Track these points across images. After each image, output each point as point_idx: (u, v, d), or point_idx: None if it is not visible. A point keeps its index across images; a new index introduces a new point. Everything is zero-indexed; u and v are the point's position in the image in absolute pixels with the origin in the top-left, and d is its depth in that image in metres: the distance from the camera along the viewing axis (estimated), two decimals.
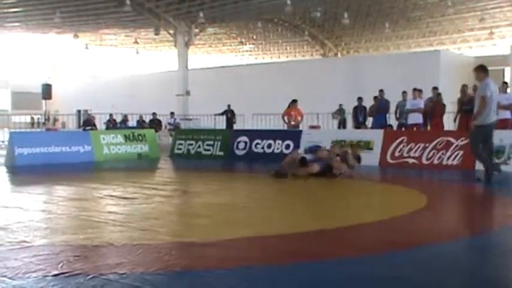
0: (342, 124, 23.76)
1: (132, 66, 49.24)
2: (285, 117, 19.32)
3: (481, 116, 9.94)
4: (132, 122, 28.65)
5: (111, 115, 28.32)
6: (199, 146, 17.43)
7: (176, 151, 17.86)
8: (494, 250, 5.05)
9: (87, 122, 27.12)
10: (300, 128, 18.83)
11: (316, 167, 11.11)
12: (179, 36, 34.14)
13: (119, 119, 28.84)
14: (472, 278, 4.14)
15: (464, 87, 16.56)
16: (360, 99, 20.44)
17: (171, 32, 34.58)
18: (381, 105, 18.97)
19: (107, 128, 26.17)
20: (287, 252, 4.88)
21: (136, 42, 41.39)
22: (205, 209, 7.36)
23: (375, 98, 19.31)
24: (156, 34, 34.95)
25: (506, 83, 17.23)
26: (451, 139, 13.36)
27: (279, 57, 45.84)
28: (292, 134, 16.37)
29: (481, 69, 10.15)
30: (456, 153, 13.21)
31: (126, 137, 17.21)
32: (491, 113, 10.09)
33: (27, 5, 33.07)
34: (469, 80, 24.40)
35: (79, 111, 38.02)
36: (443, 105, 17.22)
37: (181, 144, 17.90)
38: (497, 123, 11.30)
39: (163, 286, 3.93)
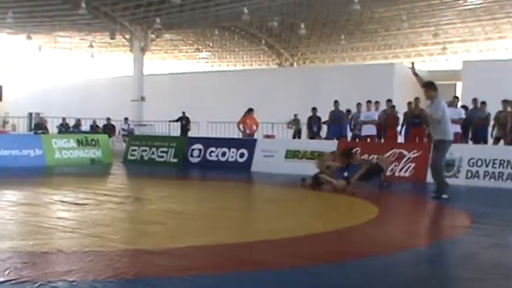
0: (297, 134, 23.87)
1: (87, 70, 48.59)
2: (241, 126, 19.31)
3: (448, 131, 9.91)
4: (85, 127, 28.27)
5: (63, 119, 27.86)
6: (153, 153, 17.29)
7: (129, 157, 17.68)
8: (442, 260, 5.13)
9: (38, 126, 26.63)
10: (255, 137, 18.85)
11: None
12: (135, 41, 33.84)
13: (71, 123, 28.41)
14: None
15: (417, 100, 16.85)
16: (314, 109, 20.57)
17: (127, 36, 34.24)
18: (335, 116, 19.14)
19: (59, 132, 25.73)
20: (238, 262, 4.87)
21: (91, 45, 40.83)
22: (158, 216, 7.29)
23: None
24: (112, 38, 34.56)
25: (457, 97, 17.59)
26: (404, 151, 13.56)
27: (235, 65, 45.84)
28: (247, 143, 16.39)
29: (432, 87, 9.82)
30: (408, 165, 13.41)
31: (79, 142, 16.98)
32: (449, 128, 10.09)
33: None
34: (421, 93, 24.91)
35: (30, 114, 37.33)
36: (397, 118, 17.48)
37: (134, 150, 17.73)
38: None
39: None
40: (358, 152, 12.56)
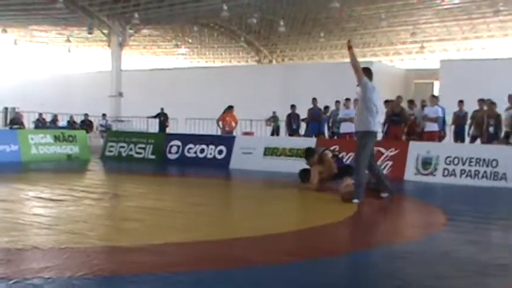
0: (276, 131, 23.90)
1: (64, 64, 48.14)
2: (220, 123, 19.29)
3: (371, 122, 8.88)
4: (62, 122, 28.03)
5: (40, 114, 27.59)
6: (131, 149, 17.20)
7: (107, 153, 17.57)
8: (419, 257, 5.16)
9: (14, 121, 26.35)
10: (234, 134, 18.84)
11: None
12: (113, 36, 33.61)
13: (48, 118, 28.15)
14: (393, 285, 4.21)
15: (398, 99, 16.98)
16: (293, 106, 20.62)
17: (105, 31, 34.01)
18: (314, 113, 19.19)
19: (36, 128, 25.48)
20: (216, 258, 4.86)
21: (68, 40, 40.49)
22: (136, 213, 7.26)
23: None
24: (89, 33, 34.27)
25: (434, 96, 17.73)
26: (382, 149, 13.63)
27: (214, 62, 45.75)
28: (226, 140, 16.36)
29: (366, 71, 9.10)
30: (386, 163, 13.49)
31: (56, 138, 16.83)
32: (377, 119, 9.13)
33: None
34: (400, 91, 25.10)
35: (6, 108, 36.87)
36: None
37: (112, 146, 17.62)
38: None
39: None
40: (333, 149, 12.45)
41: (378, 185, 9.31)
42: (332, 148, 12.73)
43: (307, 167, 11.07)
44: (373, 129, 8.90)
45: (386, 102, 16.44)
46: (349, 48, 8.98)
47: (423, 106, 16.88)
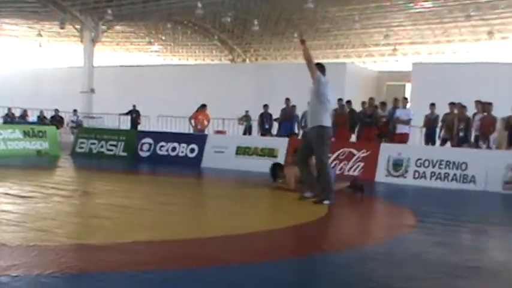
0: (248, 130, 23.88)
1: (35, 59, 47.52)
2: (192, 121, 19.22)
3: (327, 116, 8.66)
4: (32, 118, 27.68)
5: (9, 109, 27.20)
6: (102, 146, 17.05)
7: (78, 150, 17.39)
8: (389, 259, 5.19)
9: None
10: (206, 133, 18.79)
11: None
12: (85, 31, 33.28)
13: (18, 113, 27.77)
14: (364, 287, 4.23)
15: (371, 100, 17.11)
16: (266, 106, 20.63)
17: (77, 27, 33.67)
18: (286, 114, 19.22)
19: (5, 123, 25.12)
20: (185, 257, 4.83)
21: (39, 35, 39.98)
22: (106, 211, 7.19)
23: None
24: (61, 28, 33.85)
25: (406, 98, 17.87)
26: (353, 150, 13.70)
27: (187, 59, 45.54)
28: (198, 138, 16.31)
29: (319, 67, 8.92)
30: (357, 164, 13.56)
31: (25, 133, 16.62)
32: (328, 115, 8.78)
33: None
34: (373, 93, 25.25)
35: None
36: (347, 117, 17.66)
37: (83, 143, 17.45)
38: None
39: None
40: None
41: (307, 183, 8.87)
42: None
43: (278, 161, 11.00)
44: (327, 125, 8.59)
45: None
46: (302, 42, 8.90)
47: (395, 107, 17.01)
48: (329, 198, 8.46)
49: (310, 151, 8.71)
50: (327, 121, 8.58)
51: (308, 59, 8.72)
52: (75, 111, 28.24)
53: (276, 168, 11.08)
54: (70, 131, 24.84)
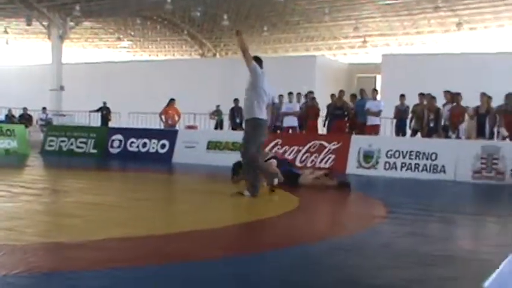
0: (219, 125, 23.84)
1: (2, 57, 46.84)
2: (163, 116, 19.13)
3: (262, 108, 8.47)
4: (0, 116, 27.30)
5: None
6: (72, 143, 16.91)
7: (47, 148, 17.22)
8: (359, 250, 5.21)
9: None
10: (177, 128, 18.71)
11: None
12: (53, 28, 32.91)
13: None
14: (336, 277, 4.24)
15: (341, 92, 17.20)
16: (236, 100, 20.59)
17: (45, 23, 33.28)
18: None
19: None
20: (158, 253, 4.79)
21: (6, 32, 39.43)
22: (76, 209, 7.11)
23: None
24: (28, 25, 33.46)
25: (376, 90, 17.99)
26: (324, 143, 13.76)
27: (157, 55, 45.28)
28: (168, 134, 16.25)
29: (256, 60, 8.73)
30: (328, 156, 13.63)
31: None
32: (265, 107, 8.58)
33: None
34: (343, 85, 25.36)
35: None
36: (318, 109, 17.75)
37: (53, 140, 17.28)
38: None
39: None
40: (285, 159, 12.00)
41: (249, 180, 8.50)
42: (281, 153, 12.74)
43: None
44: (261, 117, 8.41)
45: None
46: (238, 34, 8.77)
47: (362, 98, 17.13)
48: (250, 191, 8.28)
49: (259, 146, 8.59)
50: (262, 113, 8.43)
51: (244, 49, 8.55)
52: (44, 109, 27.93)
53: (238, 167, 10.70)
54: (39, 129, 24.57)
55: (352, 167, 13.36)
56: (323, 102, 18.04)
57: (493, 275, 1.20)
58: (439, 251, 5.14)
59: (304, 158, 13.83)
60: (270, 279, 4.13)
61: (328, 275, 4.31)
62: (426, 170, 12.69)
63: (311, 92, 18.23)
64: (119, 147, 16.19)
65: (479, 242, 6.18)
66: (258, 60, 8.75)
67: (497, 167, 12.26)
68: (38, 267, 4.15)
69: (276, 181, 8.57)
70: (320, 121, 18.21)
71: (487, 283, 1.18)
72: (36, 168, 13.90)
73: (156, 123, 21.58)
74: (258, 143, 8.52)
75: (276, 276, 4.19)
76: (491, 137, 14.61)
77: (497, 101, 14.88)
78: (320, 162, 13.55)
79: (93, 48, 45.48)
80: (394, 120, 17.38)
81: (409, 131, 16.74)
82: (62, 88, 32.30)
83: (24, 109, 26.99)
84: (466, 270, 4.57)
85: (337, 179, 10.38)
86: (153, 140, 15.85)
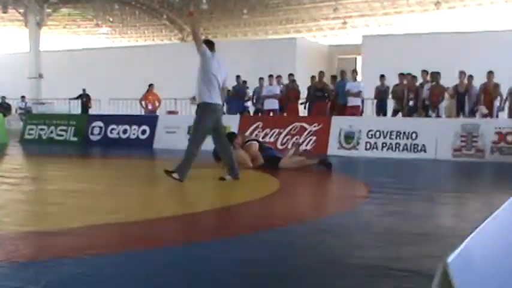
0: None
1: None
2: (143, 102, 19.05)
3: (212, 92, 8.27)
4: None
5: None
6: (51, 131, 16.79)
7: (27, 136, 17.09)
8: (339, 230, 5.23)
9: None
10: (157, 113, 18.64)
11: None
12: (30, 15, 32.53)
13: None
14: (314, 258, 4.26)
15: (321, 74, 17.20)
16: None
17: (21, 10, 32.89)
18: (237, 91, 19.18)
19: None
20: (138, 239, 4.78)
21: None
22: (57, 197, 7.07)
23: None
24: (4, 12, 33.05)
25: (355, 71, 18.02)
26: (305, 125, 13.78)
27: (136, 40, 44.97)
28: (149, 119, 16.19)
29: (207, 43, 8.57)
30: (309, 138, 13.66)
31: None
32: (217, 91, 8.38)
33: None
34: (324, 67, 25.37)
35: None
36: (298, 92, 17.74)
37: (32, 129, 17.15)
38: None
39: (3, 278, 3.68)
40: (263, 141, 12.11)
41: (228, 168, 8.54)
42: (261, 138, 12.73)
43: None
44: (211, 102, 8.19)
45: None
46: (190, 15, 8.70)
47: (342, 80, 17.17)
48: (179, 173, 8.17)
49: (218, 132, 8.52)
50: (211, 97, 8.20)
51: (194, 32, 8.48)
52: (23, 97, 27.69)
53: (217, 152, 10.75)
54: (19, 118, 24.36)
55: (333, 148, 13.40)
56: (304, 84, 18.04)
57: (457, 250, 1.20)
58: (418, 229, 5.19)
59: (285, 140, 13.84)
60: (248, 262, 4.13)
61: (306, 256, 4.33)
62: (407, 149, 12.77)
63: (291, 75, 18.21)
64: (99, 134, 16.10)
65: (458, 219, 6.23)
66: (210, 43, 8.56)
67: (477, 144, 12.37)
68: (16, 256, 4.12)
69: (176, 176, 8.23)
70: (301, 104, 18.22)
71: (450, 258, 1.18)
72: (15, 157, 13.79)
73: (137, 110, 21.47)
74: (206, 128, 8.32)
75: (255, 258, 4.20)
76: (471, 115, 14.72)
77: (479, 80, 15.00)
78: (301, 144, 13.57)
79: (71, 35, 45.06)
80: (375, 101, 17.44)
81: (390, 112, 16.82)
82: (40, 76, 32.01)
83: (3, 98, 26.72)
84: (444, 248, 4.61)
85: (318, 158, 10.44)
86: (134, 126, 15.79)
